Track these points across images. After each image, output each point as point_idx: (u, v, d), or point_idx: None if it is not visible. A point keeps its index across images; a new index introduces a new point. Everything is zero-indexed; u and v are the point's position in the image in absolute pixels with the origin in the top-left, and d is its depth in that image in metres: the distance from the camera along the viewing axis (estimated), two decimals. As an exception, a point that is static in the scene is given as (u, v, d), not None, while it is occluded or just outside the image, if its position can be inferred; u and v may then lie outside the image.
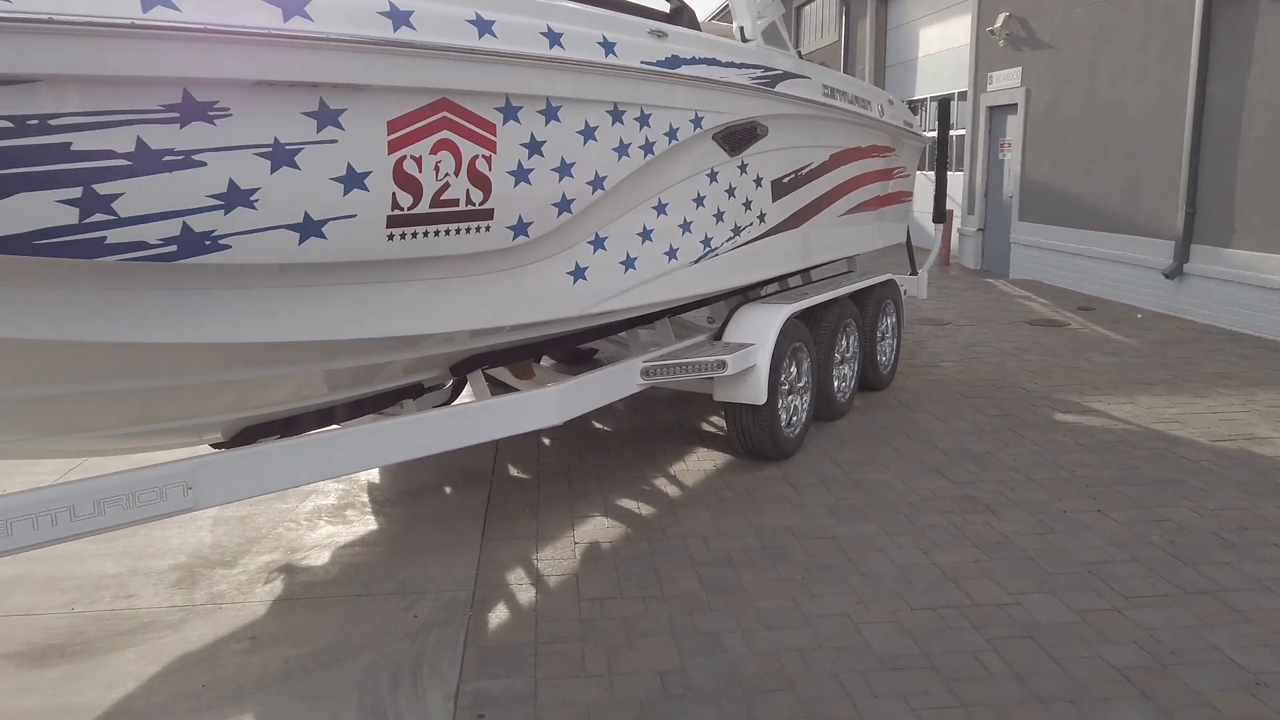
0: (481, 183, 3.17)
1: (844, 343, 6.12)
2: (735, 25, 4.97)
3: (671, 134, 4.08)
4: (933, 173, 9.07)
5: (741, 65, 4.57)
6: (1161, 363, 7.58)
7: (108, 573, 3.90)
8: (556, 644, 3.28)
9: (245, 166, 2.48)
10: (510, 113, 3.22)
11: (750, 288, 5.59)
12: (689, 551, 4.06)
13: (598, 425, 6.05)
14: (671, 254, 4.35)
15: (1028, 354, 7.99)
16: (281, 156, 2.56)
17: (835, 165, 5.93)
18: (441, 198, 3.04)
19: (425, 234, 3.04)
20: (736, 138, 4.66)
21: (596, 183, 3.69)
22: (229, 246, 2.53)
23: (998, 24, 12.92)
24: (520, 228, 3.40)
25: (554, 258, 3.69)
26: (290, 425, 3.75)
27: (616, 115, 3.72)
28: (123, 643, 3.33)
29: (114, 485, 2.76)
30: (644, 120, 3.89)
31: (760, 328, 5.06)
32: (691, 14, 4.48)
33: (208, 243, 2.47)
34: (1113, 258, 10.63)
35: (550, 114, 3.39)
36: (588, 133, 3.59)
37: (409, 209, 2.94)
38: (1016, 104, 12.82)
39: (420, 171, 2.94)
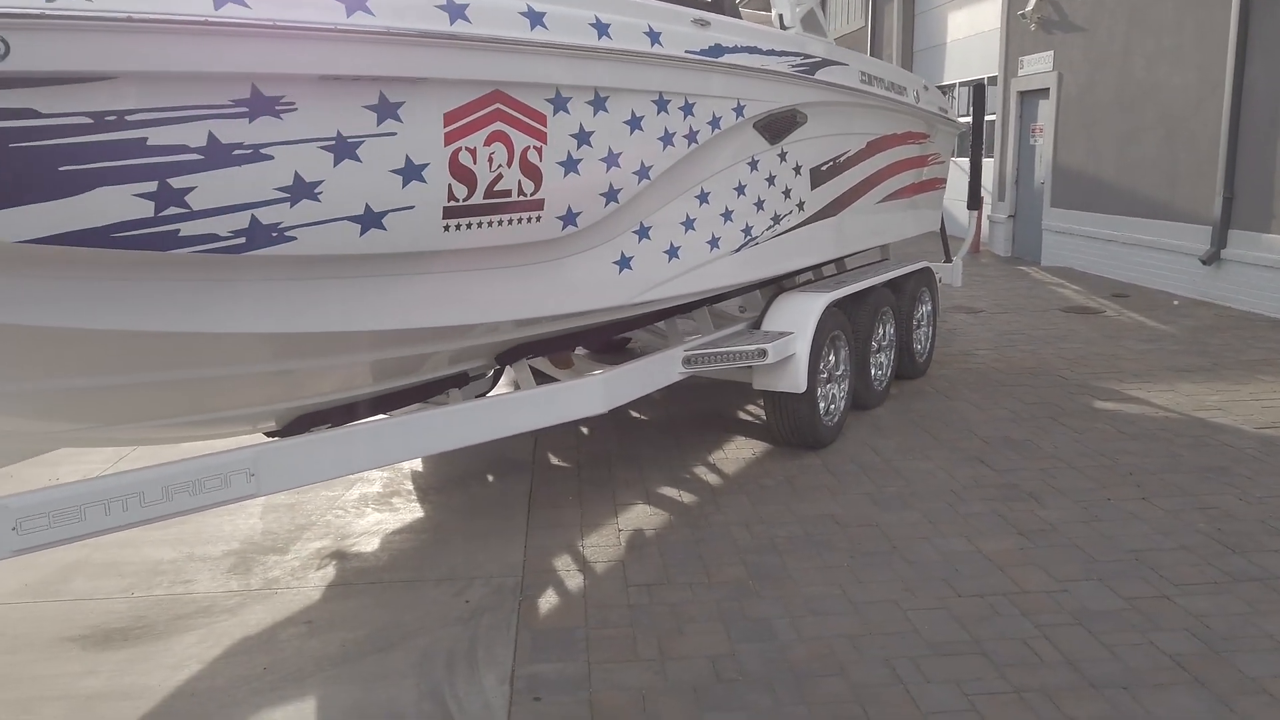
0: (533, 173, 3.20)
1: (881, 331, 6.11)
2: (774, 12, 4.96)
3: (714, 123, 4.09)
4: (965, 159, 9.00)
5: (782, 53, 4.57)
6: (1200, 350, 7.50)
7: (164, 559, 3.99)
8: (607, 629, 3.32)
9: (310, 159, 2.53)
10: (560, 104, 3.25)
11: (787, 276, 5.60)
12: (733, 538, 4.09)
13: (635, 414, 6.08)
14: (713, 243, 4.36)
15: (1064, 341, 7.93)
16: (344, 149, 2.60)
17: (872, 152, 5.92)
18: (495, 189, 3.08)
19: (479, 225, 3.07)
20: (776, 126, 4.66)
21: (642, 172, 3.71)
22: (294, 238, 2.57)
23: (1029, 7, 12.78)
24: (569, 218, 3.43)
25: (600, 247, 3.72)
26: (341, 414, 3.81)
27: (662, 105, 3.74)
28: (183, 626, 3.41)
29: (181, 472, 2.83)
30: (688, 109, 3.91)
31: (799, 316, 5.06)
32: (732, 3, 4.48)
33: (274, 234, 2.52)
34: (1147, 244, 10.51)
35: (598, 104, 3.41)
36: (634, 123, 3.61)
37: (464, 200, 2.98)
38: (1048, 88, 12.68)
39: (475, 163, 2.98)
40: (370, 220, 2.74)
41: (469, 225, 3.04)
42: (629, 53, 3.47)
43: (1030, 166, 13.46)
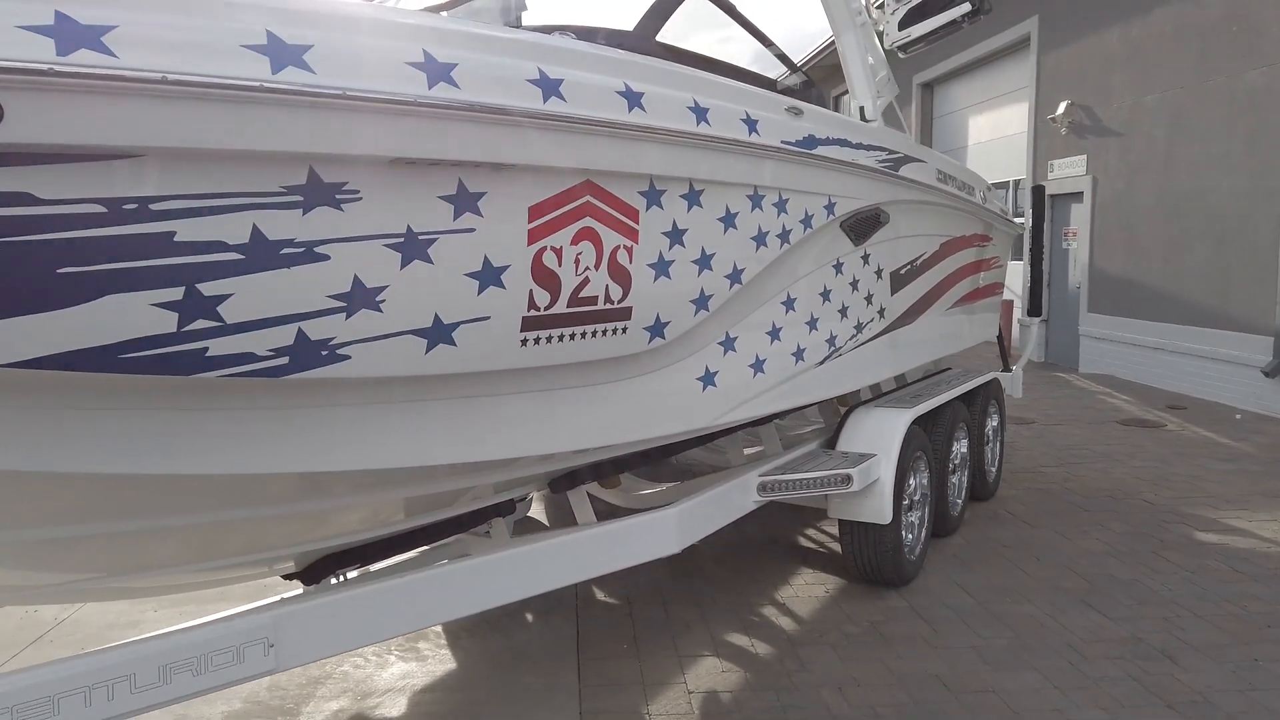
0: (621, 277, 2.70)
1: (956, 449, 5.55)
2: (854, 104, 4.57)
3: (806, 221, 3.63)
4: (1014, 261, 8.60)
5: (870, 147, 4.15)
6: (1286, 471, 6.93)
7: (151, 721, 3.33)
8: (700, 839, 2.66)
9: (373, 260, 2.02)
10: (654, 197, 2.77)
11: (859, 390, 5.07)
12: (826, 705, 3.44)
13: (684, 537, 5.46)
14: (799, 355, 3.85)
15: (1133, 459, 7.36)
16: (414, 249, 2.10)
17: (944, 255, 5.48)
18: (580, 295, 2.57)
19: (560, 338, 2.56)
20: (862, 226, 4.21)
21: (734, 276, 3.23)
22: (347, 357, 2.05)
23: (1059, 112, 12.65)
24: (657, 328, 2.92)
25: (685, 361, 3.20)
26: (373, 551, 3.23)
27: (756, 200, 3.28)
28: (171, 823, 2.75)
29: (183, 646, 2.23)
30: (781, 206, 3.45)
31: (881, 436, 4.52)
32: (819, 90, 4.09)
33: (324, 352, 1.99)
34: (1201, 353, 10.04)
35: (692, 199, 2.95)
36: (728, 219, 3.14)
37: (546, 309, 2.47)
38: (1082, 192, 12.44)
39: (560, 265, 2.48)
40: (439, 334, 2.22)
41: (549, 339, 2.53)
42: (727, 141, 3.02)
43: (1063, 270, 13.13)
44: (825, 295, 4.02)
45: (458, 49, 2.17)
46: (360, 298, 2.02)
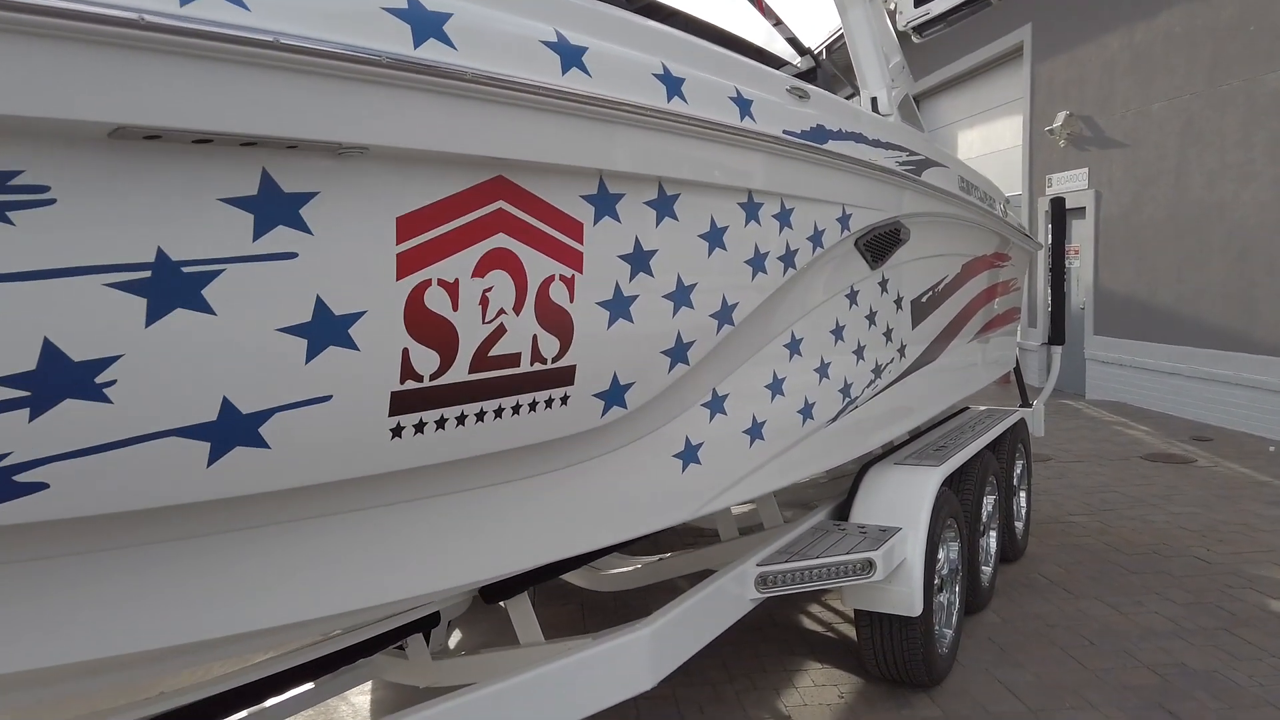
0: (558, 322, 1.81)
1: (986, 506, 4.68)
2: (865, 95, 3.72)
3: (816, 238, 2.76)
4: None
5: (889, 145, 3.30)
6: (1347, 516, 6.10)
7: None
8: None
9: (88, 309, 1.12)
10: (606, 204, 1.89)
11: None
12: None
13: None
14: (807, 411, 2.97)
15: (1171, 504, 6.52)
16: (171, 290, 1.20)
17: (966, 278, 4.63)
18: (491, 352, 1.68)
19: (460, 420, 1.66)
20: (880, 244, 3.35)
21: (724, 314, 2.34)
22: (40, 486, 1.14)
23: (1057, 123, 11.94)
24: (615, 393, 2.03)
25: (658, 434, 2.31)
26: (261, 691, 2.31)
27: (751, 210, 2.41)
28: None
29: None
30: (784, 218, 2.57)
31: (907, 502, 3.63)
32: (827, 71, 3.24)
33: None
34: (1222, 378, 9.26)
35: (664, 207, 2.06)
36: (714, 236, 2.26)
37: (432, 377, 1.58)
38: (1084, 207, 11.71)
39: (456, 308, 1.59)
40: (232, 431, 1.32)
41: (440, 424, 1.63)
42: (711, 125, 2.15)
43: (1066, 290, 12.35)
44: (838, 333, 3.15)
45: None
46: (60, 379, 1.12)
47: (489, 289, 1.64)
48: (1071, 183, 11.99)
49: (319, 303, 1.38)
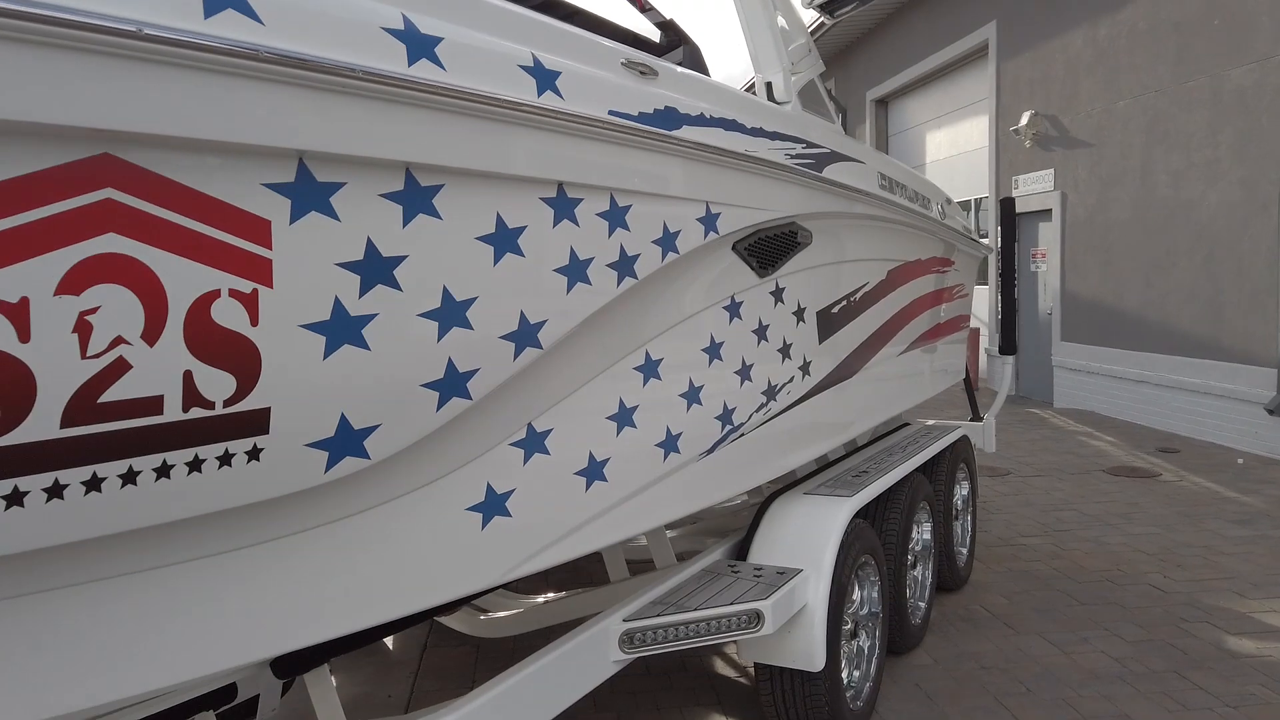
0: (230, 354, 1.36)
1: (917, 535, 4.26)
2: (758, 78, 3.29)
3: (666, 241, 2.33)
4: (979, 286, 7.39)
5: (775, 135, 2.87)
6: (1315, 537, 5.72)
7: None
8: None
9: None
10: (308, 196, 1.44)
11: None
12: None
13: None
14: (670, 444, 2.53)
15: (1130, 524, 6.11)
16: None
17: (894, 285, 4.21)
18: (102, 398, 1.23)
19: (96, 485, 1.21)
20: (769, 248, 2.92)
21: (523, 335, 1.90)
22: None
23: (1022, 123, 11.59)
24: (344, 441, 1.58)
25: (438, 484, 1.86)
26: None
27: (563, 207, 1.96)
28: None
29: None
30: (616, 217, 2.14)
31: (810, 540, 3.20)
32: (695, 50, 2.82)
33: None
34: (1190, 387, 8.89)
35: (416, 201, 1.62)
36: (502, 239, 1.81)
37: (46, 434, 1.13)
38: (1050, 209, 11.35)
39: (24, 337, 1.14)
40: None
41: (52, 492, 1.18)
42: (485, 100, 1.70)
43: (1033, 295, 12.01)
44: (714, 350, 2.71)
45: None
46: None
47: (90, 311, 1.19)
48: (1038, 184, 11.64)
49: None
